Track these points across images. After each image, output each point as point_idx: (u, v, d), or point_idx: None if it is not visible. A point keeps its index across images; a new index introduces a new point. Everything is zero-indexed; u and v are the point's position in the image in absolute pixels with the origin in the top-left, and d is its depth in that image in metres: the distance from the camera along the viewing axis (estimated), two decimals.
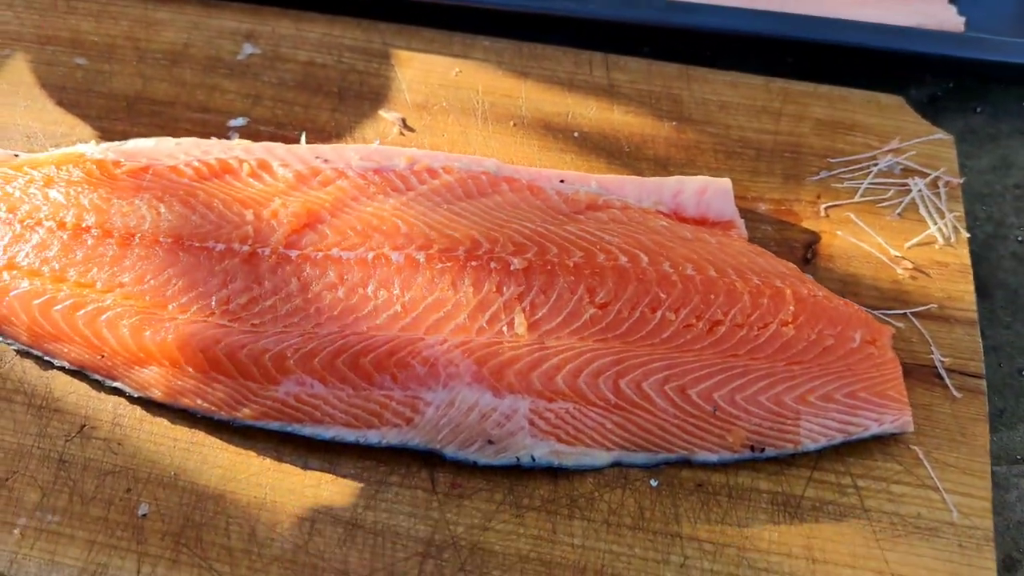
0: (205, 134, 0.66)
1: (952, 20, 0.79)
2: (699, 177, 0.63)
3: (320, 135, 0.68)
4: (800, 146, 0.69)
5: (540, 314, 0.54)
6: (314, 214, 0.58)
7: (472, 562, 0.51)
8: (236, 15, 0.75)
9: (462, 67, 0.72)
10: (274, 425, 0.53)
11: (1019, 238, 0.69)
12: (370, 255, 0.56)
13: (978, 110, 0.78)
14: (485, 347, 0.53)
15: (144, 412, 0.55)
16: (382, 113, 0.69)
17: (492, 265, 0.55)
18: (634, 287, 0.55)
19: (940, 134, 0.70)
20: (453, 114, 0.70)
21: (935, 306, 0.61)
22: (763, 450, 0.53)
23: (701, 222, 0.62)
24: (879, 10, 0.79)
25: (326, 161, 0.62)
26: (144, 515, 0.52)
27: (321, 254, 0.56)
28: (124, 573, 0.50)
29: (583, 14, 0.76)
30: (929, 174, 0.67)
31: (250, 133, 0.68)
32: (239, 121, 0.69)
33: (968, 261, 0.63)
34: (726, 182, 0.63)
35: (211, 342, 0.53)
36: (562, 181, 0.62)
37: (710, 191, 0.62)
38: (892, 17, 0.78)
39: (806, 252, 0.63)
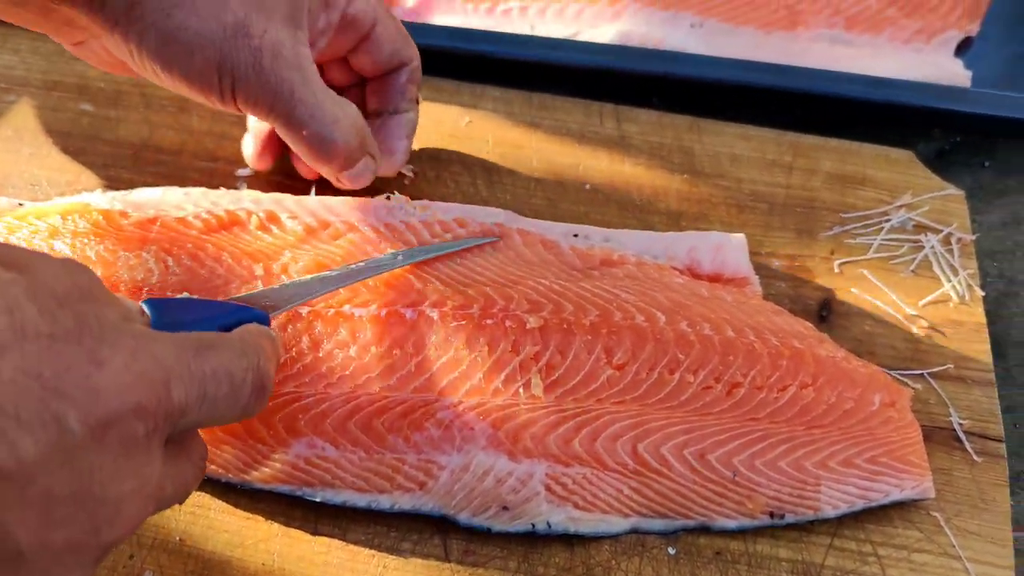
0: (213, 184, 0.65)
1: (959, 74, 0.79)
2: (714, 233, 0.63)
3: (330, 186, 0.67)
4: (812, 200, 0.69)
5: (557, 375, 0.53)
6: (325, 268, 0.57)
7: None
8: None
9: (472, 117, 0.72)
10: (284, 489, 0.52)
11: None
12: (383, 312, 0.55)
13: (986, 164, 0.78)
14: (501, 409, 0.52)
15: None
16: None
17: (507, 324, 0.54)
18: (652, 347, 0.54)
19: (951, 189, 0.70)
20: (463, 164, 0.69)
21: (951, 366, 0.60)
22: (783, 516, 0.52)
23: (716, 278, 0.61)
24: (884, 61, 0.80)
25: (336, 214, 0.61)
26: None
27: (332, 311, 0.55)
28: None
29: (591, 64, 0.76)
30: (941, 230, 0.67)
31: (259, 183, 0.67)
32: (247, 171, 0.68)
33: (983, 320, 0.63)
34: (741, 238, 0.63)
35: None
36: (575, 235, 0.62)
37: (725, 247, 0.62)
38: (897, 70, 0.78)
39: (821, 309, 0.63)
